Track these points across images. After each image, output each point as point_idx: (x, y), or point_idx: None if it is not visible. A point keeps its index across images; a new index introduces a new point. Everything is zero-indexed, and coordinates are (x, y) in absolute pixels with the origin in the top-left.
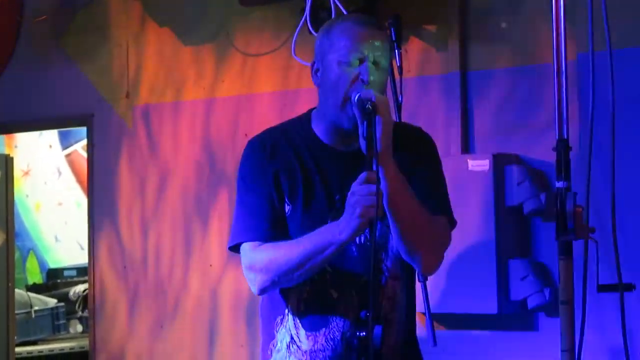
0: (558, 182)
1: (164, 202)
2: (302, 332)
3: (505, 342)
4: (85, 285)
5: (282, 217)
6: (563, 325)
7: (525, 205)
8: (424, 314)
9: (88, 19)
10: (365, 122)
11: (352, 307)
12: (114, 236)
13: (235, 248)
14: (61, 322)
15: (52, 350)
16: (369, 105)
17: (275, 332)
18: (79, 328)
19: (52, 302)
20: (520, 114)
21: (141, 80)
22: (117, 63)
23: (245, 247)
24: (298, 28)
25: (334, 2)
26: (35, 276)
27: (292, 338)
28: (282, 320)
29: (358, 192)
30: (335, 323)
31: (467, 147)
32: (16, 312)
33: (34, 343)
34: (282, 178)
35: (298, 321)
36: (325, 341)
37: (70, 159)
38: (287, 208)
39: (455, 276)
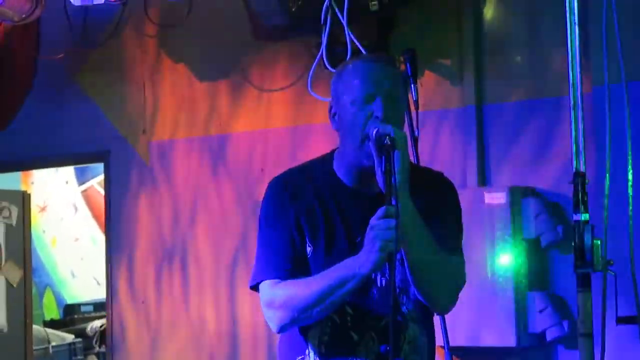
0: (576, 214)
1: (180, 237)
2: None
3: None
4: (103, 321)
5: (303, 258)
6: (583, 358)
7: (542, 238)
8: (443, 347)
9: (104, 56)
10: (383, 157)
11: (372, 350)
12: (131, 271)
13: (257, 287)
14: (79, 357)
15: None
16: (387, 141)
17: None
18: None
19: (69, 337)
20: (537, 147)
21: (157, 117)
22: (134, 99)
23: (265, 284)
24: (314, 63)
25: (349, 37)
26: (52, 312)
27: None
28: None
29: (377, 226)
30: None
31: (484, 180)
32: (34, 348)
33: None
34: (303, 219)
35: None
36: None
37: (86, 195)
38: (308, 249)
39: (474, 309)
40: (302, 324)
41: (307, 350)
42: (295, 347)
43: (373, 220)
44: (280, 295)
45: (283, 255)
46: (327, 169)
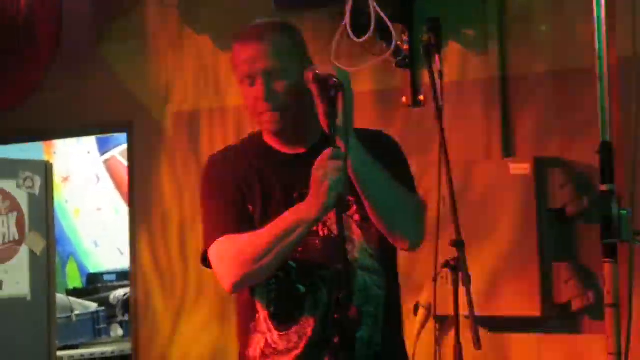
0: (602, 185)
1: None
2: (275, 333)
3: (549, 345)
4: (126, 290)
5: (249, 215)
6: (609, 328)
7: (568, 208)
8: (468, 317)
9: (126, 26)
10: (327, 101)
11: (320, 301)
12: (155, 241)
13: (207, 261)
14: (102, 326)
15: (93, 354)
16: (334, 80)
17: (249, 339)
18: (120, 332)
19: (92, 306)
20: (562, 117)
21: (180, 87)
22: (156, 70)
23: (214, 245)
24: (338, 33)
25: (373, 6)
26: (75, 281)
27: (266, 341)
28: (254, 326)
29: (324, 167)
30: (305, 318)
31: (509, 151)
32: (57, 316)
33: (75, 347)
34: (241, 183)
35: (270, 323)
36: (298, 338)
37: (108, 165)
38: (250, 208)
39: (499, 279)
40: (254, 280)
41: (257, 315)
42: (248, 315)
43: (319, 161)
44: (229, 249)
45: (228, 213)
46: (258, 139)
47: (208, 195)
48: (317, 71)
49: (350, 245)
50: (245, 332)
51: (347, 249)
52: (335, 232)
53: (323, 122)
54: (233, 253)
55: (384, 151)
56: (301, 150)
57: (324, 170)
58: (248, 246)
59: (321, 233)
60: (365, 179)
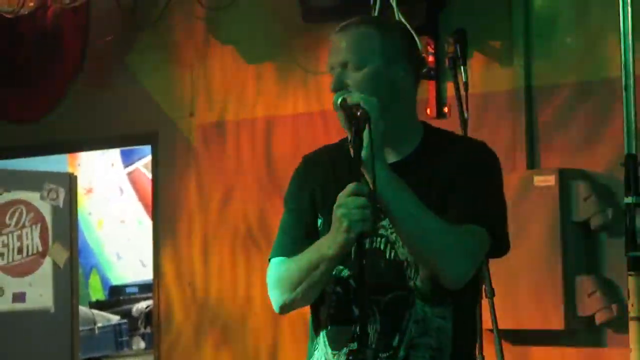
0: (627, 197)
1: (228, 219)
2: (330, 351)
3: (572, 358)
4: (148, 302)
5: (314, 232)
6: (633, 342)
7: (592, 221)
8: (492, 330)
9: (152, 38)
10: (354, 130)
11: (373, 325)
12: (178, 253)
13: None
14: (124, 338)
15: None
16: (358, 112)
17: (312, 356)
18: (142, 344)
19: (115, 318)
20: (587, 129)
21: (205, 99)
22: (181, 82)
23: (270, 264)
24: None
25: (399, 18)
26: (98, 293)
27: (325, 359)
28: (317, 341)
29: (345, 205)
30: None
31: (533, 163)
32: (80, 328)
33: (98, 359)
34: (317, 193)
35: (327, 340)
36: None
37: (131, 177)
38: (319, 221)
39: (522, 292)
40: (296, 304)
41: (318, 330)
42: (312, 329)
43: (341, 197)
44: (273, 274)
45: (289, 234)
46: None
47: (285, 205)
48: (342, 99)
49: (412, 271)
50: (311, 348)
51: (409, 275)
52: (401, 256)
53: (351, 151)
54: (274, 279)
55: (463, 168)
56: (393, 160)
57: (344, 208)
58: (287, 272)
59: (387, 256)
60: (394, 214)
